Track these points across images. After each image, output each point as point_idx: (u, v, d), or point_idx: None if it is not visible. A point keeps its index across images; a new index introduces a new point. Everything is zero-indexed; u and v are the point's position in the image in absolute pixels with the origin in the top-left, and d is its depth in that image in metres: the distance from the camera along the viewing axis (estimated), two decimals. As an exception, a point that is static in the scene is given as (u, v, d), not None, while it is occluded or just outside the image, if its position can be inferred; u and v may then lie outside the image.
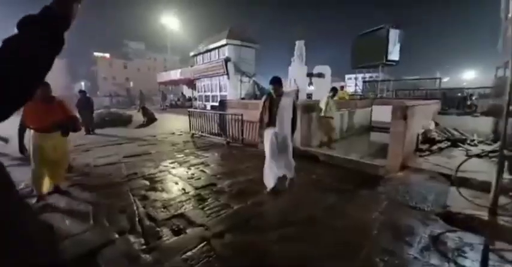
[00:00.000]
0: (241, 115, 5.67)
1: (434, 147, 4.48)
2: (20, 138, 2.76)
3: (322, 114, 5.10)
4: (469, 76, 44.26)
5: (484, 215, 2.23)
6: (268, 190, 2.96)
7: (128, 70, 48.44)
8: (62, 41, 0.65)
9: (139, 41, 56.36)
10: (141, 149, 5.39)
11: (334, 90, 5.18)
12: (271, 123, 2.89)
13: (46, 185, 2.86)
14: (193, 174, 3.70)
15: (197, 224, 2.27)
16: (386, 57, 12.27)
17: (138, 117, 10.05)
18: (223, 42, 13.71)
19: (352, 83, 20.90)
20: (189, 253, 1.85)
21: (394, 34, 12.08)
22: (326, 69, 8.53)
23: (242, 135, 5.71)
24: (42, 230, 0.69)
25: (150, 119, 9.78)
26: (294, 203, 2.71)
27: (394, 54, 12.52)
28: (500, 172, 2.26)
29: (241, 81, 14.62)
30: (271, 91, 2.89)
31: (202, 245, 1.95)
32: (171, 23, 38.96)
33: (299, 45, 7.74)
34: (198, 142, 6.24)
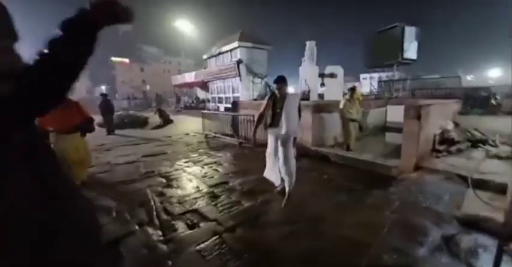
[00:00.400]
0: (253, 115, 5.76)
1: (453, 148, 4.34)
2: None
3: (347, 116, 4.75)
4: (495, 74, 41.68)
5: (500, 217, 2.17)
6: (277, 186, 2.94)
7: (144, 73, 50.30)
8: (94, 45, 0.74)
9: (155, 45, 58.35)
10: (157, 149, 5.64)
11: (351, 90, 4.85)
12: (274, 123, 2.78)
13: (82, 176, 3.12)
14: (206, 173, 3.84)
15: (210, 219, 2.38)
16: (402, 55, 11.94)
17: (154, 118, 10.45)
18: (235, 44, 13.95)
19: (367, 83, 20.41)
20: (202, 245, 1.97)
21: (410, 32, 11.73)
22: (338, 69, 8.45)
23: (254, 136, 5.79)
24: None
25: (166, 120, 10.14)
26: (303, 202, 2.76)
27: (410, 52, 12.15)
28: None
29: (253, 82, 14.77)
30: (276, 90, 2.78)
31: (214, 238, 2.06)
32: (184, 27, 40.14)
33: (310, 45, 7.75)
34: (212, 142, 6.41)
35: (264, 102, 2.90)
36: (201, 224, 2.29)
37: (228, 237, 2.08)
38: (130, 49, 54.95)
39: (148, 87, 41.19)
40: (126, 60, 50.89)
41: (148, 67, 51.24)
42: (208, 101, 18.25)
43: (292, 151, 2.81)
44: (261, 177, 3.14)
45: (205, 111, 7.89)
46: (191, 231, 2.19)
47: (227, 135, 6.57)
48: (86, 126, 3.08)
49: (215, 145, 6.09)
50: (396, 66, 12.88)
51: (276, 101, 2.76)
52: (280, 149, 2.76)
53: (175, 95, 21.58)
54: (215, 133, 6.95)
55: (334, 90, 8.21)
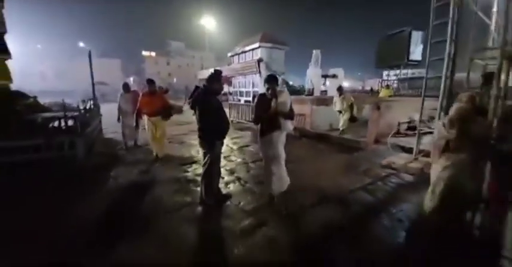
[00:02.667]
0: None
1: (411, 132, 5.99)
2: (137, 118, 4.15)
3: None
4: None
5: (401, 162, 3.97)
6: (272, 192, 2.72)
7: (170, 66, 53.62)
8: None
9: (180, 40, 61.28)
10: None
11: (339, 90, 6.49)
12: (276, 126, 2.54)
13: (157, 148, 4.27)
14: (235, 142, 5.86)
15: (238, 162, 4.38)
16: (408, 57, 13.12)
17: (186, 107, 12.76)
18: (256, 45, 15.72)
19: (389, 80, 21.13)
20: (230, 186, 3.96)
21: (416, 36, 12.85)
22: (339, 71, 10.07)
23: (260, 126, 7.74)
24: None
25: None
26: (299, 158, 4.66)
27: (416, 54, 13.28)
28: (418, 141, 3.95)
29: (271, 79, 16.52)
30: (267, 91, 2.50)
31: (234, 178, 4.04)
32: (208, 23, 42.29)
33: (315, 53, 9.39)
34: (236, 126, 8.45)
35: (255, 103, 2.62)
36: (234, 166, 4.29)
37: (243, 176, 4.06)
38: (158, 44, 58.57)
39: (175, 80, 44.21)
40: (153, 54, 54.44)
41: (173, 61, 54.45)
42: (230, 94, 20.34)
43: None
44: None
45: (232, 102, 9.92)
46: (230, 166, 4.19)
47: (248, 121, 8.56)
48: (167, 111, 4.05)
49: (239, 127, 8.12)
50: (402, 67, 14.04)
51: (269, 103, 2.46)
52: (278, 151, 2.61)
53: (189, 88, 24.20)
54: (239, 119, 8.99)
55: (335, 89, 9.86)
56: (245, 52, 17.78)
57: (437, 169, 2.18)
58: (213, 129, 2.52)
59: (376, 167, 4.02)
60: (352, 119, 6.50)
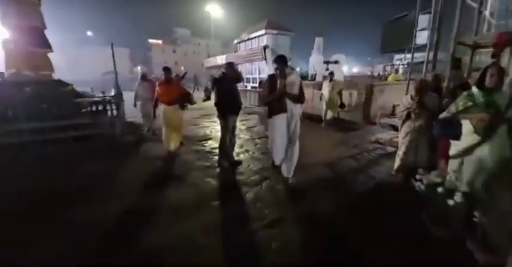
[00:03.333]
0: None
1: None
2: (154, 108, 4.03)
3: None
4: None
5: (387, 138, 4.60)
6: (276, 165, 2.97)
7: (177, 55, 53.74)
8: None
9: (186, 27, 60.77)
10: (212, 112, 8.52)
11: (330, 74, 6.14)
12: (283, 108, 2.57)
13: (172, 144, 3.95)
14: (243, 124, 6.57)
15: (244, 138, 5.10)
16: (414, 41, 13.18)
17: (196, 94, 13.45)
18: (262, 32, 15.96)
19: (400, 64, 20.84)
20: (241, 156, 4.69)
21: (422, 19, 12.82)
22: (341, 57, 10.44)
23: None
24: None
25: (208, 96, 13.09)
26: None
27: (422, 38, 13.33)
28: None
29: (277, 65, 16.89)
30: (276, 71, 2.55)
31: (243, 150, 4.77)
32: (213, 10, 41.72)
33: (318, 41, 9.74)
34: (244, 110, 9.10)
35: (264, 84, 2.69)
36: (243, 142, 5.02)
37: (254, 151, 4.78)
38: (165, 31, 58.37)
39: (182, 68, 44.63)
40: (160, 42, 54.47)
41: (179, 49, 54.45)
42: (237, 81, 20.84)
43: (298, 133, 2.76)
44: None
45: (240, 89, 10.57)
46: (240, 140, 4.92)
47: (255, 105, 9.22)
48: (186, 99, 3.98)
49: (247, 111, 8.79)
50: (407, 51, 14.11)
51: (277, 83, 2.52)
52: (293, 134, 2.70)
53: (210, 76, 24.64)
54: (246, 104, 9.64)
55: (338, 73, 10.29)
56: (251, 39, 18.06)
57: (402, 136, 2.83)
58: (225, 104, 3.18)
59: (365, 142, 4.67)
60: (341, 105, 6.28)
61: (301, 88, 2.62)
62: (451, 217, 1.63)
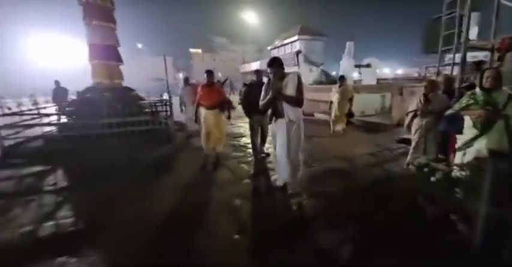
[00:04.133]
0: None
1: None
2: (195, 111, 3.96)
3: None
4: None
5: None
6: (277, 183, 2.79)
7: (215, 62, 57.09)
8: None
9: (223, 35, 64.33)
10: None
11: (340, 79, 5.61)
12: (280, 113, 2.43)
13: (210, 148, 3.84)
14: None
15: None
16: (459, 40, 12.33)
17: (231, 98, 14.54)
18: (295, 37, 16.48)
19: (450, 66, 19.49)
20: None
21: (471, 17, 11.96)
22: (373, 60, 10.34)
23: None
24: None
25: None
26: (325, 135, 5.72)
27: (471, 37, 12.40)
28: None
29: (310, 70, 17.16)
30: (270, 75, 2.43)
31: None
32: (249, 17, 43.74)
33: (349, 45, 9.86)
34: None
35: (263, 90, 2.56)
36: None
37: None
38: (204, 40, 62.79)
39: (220, 74, 47.37)
40: (200, 51, 58.67)
41: (217, 56, 57.84)
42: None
43: (301, 140, 2.52)
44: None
45: (271, 93, 11.21)
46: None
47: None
48: (225, 105, 3.84)
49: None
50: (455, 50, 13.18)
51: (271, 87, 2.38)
52: (288, 140, 2.43)
53: (243, 82, 26.05)
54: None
55: (369, 77, 10.22)
56: (284, 45, 18.70)
57: (412, 133, 3.13)
58: (249, 105, 3.59)
59: (389, 142, 4.87)
60: (350, 114, 5.64)
61: (298, 90, 2.37)
62: (437, 193, 1.97)
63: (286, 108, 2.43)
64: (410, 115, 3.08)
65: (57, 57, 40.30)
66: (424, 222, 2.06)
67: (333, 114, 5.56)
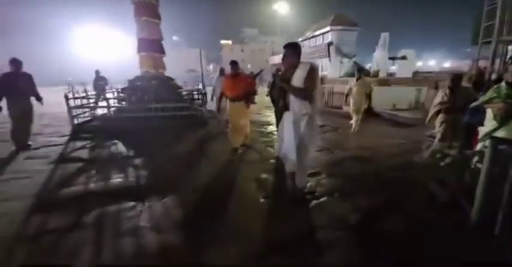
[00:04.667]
0: (332, 87, 8.74)
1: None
2: (218, 102, 4.07)
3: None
4: None
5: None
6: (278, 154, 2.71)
7: (244, 53, 57.55)
8: None
9: (253, 26, 64.17)
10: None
11: (359, 71, 5.19)
12: (286, 105, 2.28)
13: (237, 141, 3.85)
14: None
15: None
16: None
17: (259, 89, 14.87)
18: (327, 29, 16.03)
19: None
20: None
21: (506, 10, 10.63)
22: (410, 53, 9.77)
23: (332, 101, 8.85)
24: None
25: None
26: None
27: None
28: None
29: (341, 62, 16.66)
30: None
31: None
32: (281, 8, 42.86)
33: (383, 36, 9.42)
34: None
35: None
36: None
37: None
38: (234, 32, 63.46)
39: (249, 66, 47.75)
40: (230, 42, 59.48)
41: (246, 48, 58.15)
42: (299, 78, 21.40)
43: (310, 138, 2.25)
44: (327, 122, 6.34)
45: (299, 85, 11.32)
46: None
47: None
48: (249, 96, 3.74)
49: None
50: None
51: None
52: (295, 137, 2.20)
53: (277, 71, 26.17)
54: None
55: (405, 70, 9.72)
56: (315, 36, 18.32)
57: (437, 125, 3.23)
58: (273, 97, 3.92)
59: (417, 136, 4.86)
60: (368, 111, 5.34)
61: (307, 81, 2.08)
62: (447, 178, 2.16)
63: (292, 99, 2.20)
64: (435, 108, 3.17)
65: (97, 48, 43.99)
66: (432, 203, 2.29)
67: (351, 109, 5.12)
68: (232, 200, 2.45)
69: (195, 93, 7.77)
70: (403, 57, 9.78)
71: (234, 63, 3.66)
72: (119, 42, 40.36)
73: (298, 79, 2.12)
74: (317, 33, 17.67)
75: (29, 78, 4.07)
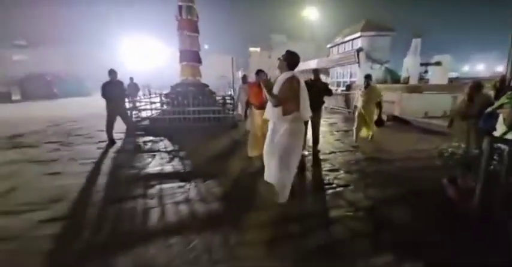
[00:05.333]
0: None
1: None
2: (245, 109, 4.13)
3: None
4: None
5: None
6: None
7: (271, 59, 58.50)
8: None
9: (281, 33, 65.01)
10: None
11: (366, 78, 4.73)
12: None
13: (255, 151, 3.72)
14: (326, 120, 7.69)
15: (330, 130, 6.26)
16: None
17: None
18: (357, 34, 15.93)
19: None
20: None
21: None
22: (445, 58, 9.38)
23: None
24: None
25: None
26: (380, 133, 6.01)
27: None
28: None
29: (371, 68, 16.35)
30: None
31: (321, 136, 5.92)
32: (311, 14, 43.10)
33: (415, 42, 9.22)
34: (330, 111, 10.14)
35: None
36: (323, 133, 6.21)
37: (332, 133, 5.88)
38: (263, 39, 65.05)
39: (277, 73, 48.45)
40: (258, 49, 61.06)
41: (273, 54, 59.06)
42: (328, 84, 21.40)
43: (291, 151, 2.25)
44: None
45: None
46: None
47: (340, 107, 10.02)
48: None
49: (332, 112, 9.78)
50: None
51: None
52: (272, 143, 2.29)
53: (263, 79, 26.50)
54: (332, 106, 10.58)
55: (439, 76, 9.35)
56: (344, 42, 18.30)
57: (455, 129, 3.37)
58: None
59: (443, 143, 4.87)
60: (379, 122, 4.72)
61: (283, 91, 2.17)
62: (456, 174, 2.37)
63: (268, 105, 2.29)
64: (452, 114, 3.32)
65: (140, 56, 48.36)
66: (441, 198, 2.52)
67: (356, 121, 4.79)
68: (260, 183, 2.84)
69: (227, 98, 8.52)
70: (438, 63, 9.47)
71: (259, 72, 3.69)
72: (160, 52, 44.49)
73: (275, 87, 2.25)
74: (346, 39, 17.63)
75: (120, 84, 5.22)
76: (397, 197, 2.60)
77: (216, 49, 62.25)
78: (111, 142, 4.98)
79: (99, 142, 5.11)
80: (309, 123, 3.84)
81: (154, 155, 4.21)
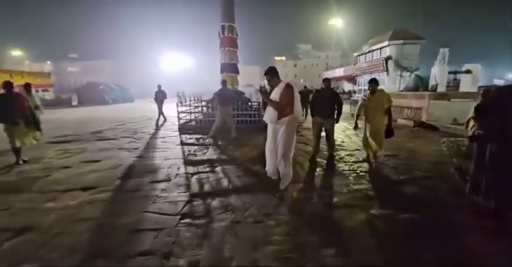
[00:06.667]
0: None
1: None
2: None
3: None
4: None
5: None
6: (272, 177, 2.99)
7: (296, 68, 59.35)
8: None
9: (308, 42, 65.84)
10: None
11: (370, 84, 4.04)
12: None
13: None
14: (349, 127, 8.24)
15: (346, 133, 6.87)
16: None
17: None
18: (385, 43, 16.18)
19: None
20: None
21: None
22: (475, 67, 9.44)
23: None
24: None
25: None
26: (406, 137, 6.48)
27: None
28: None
29: (401, 76, 16.35)
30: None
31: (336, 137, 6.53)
32: (336, 23, 43.36)
33: (442, 51, 9.39)
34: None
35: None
36: (338, 135, 6.82)
37: (347, 133, 6.48)
38: (289, 48, 66.48)
39: (302, 81, 49.18)
40: (283, 58, 62.37)
41: (299, 63, 59.87)
42: (355, 92, 21.60)
43: (285, 144, 2.66)
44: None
45: (353, 98, 12.00)
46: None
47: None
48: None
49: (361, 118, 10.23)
50: None
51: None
52: (273, 143, 2.78)
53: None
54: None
55: (469, 84, 9.39)
56: (372, 51, 18.57)
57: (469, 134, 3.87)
58: (312, 108, 4.23)
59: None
60: (388, 133, 4.10)
61: (283, 96, 2.52)
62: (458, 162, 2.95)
63: (268, 110, 2.71)
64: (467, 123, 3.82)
65: (173, 68, 52.49)
66: (452, 181, 3.11)
67: (363, 134, 4.32)
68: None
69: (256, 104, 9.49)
70: (468, 71, 9.56)
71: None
72: (189, 64, 48.45)
73: (275, 94, 2.59)
74: (374, 47, 17.90)
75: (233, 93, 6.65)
76: (410, 181, 3.25)
77: (242, 60, 64.43)
78: (216, 143, 5.71)
79: (161, 137, 6.35)
80: (323, 129, 4.22)
81: (208, 147, 5.25)
